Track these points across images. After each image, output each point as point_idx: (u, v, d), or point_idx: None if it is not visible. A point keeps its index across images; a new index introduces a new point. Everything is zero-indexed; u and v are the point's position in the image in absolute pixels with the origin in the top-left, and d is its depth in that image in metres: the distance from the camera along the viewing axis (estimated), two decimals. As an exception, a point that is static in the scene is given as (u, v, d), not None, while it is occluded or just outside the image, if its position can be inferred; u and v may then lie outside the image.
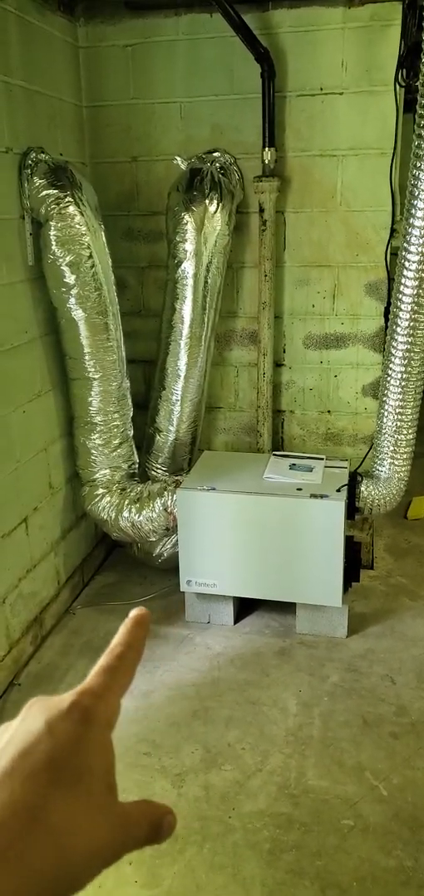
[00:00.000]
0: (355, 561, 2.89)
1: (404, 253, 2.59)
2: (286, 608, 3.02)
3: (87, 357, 2.85)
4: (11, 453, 2.66)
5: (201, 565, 2.91)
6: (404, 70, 2.84)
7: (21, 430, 2.72)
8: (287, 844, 2.01)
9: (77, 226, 2.67)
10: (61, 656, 2.86)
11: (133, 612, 0.46)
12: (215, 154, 3.06)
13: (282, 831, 2.05)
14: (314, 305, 3.25)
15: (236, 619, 3.04)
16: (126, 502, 3.02)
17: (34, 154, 2.65)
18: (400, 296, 2.64)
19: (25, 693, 2.60)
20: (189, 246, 2.92)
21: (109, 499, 3.04)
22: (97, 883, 1.78)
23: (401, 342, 2.70)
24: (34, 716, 0.39)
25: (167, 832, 0.41)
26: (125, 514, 3.02)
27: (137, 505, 3.01)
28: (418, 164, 2.44)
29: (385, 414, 2.85)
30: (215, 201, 2.90)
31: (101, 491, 3.06)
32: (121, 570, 3.51)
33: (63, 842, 0.35)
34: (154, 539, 3.11)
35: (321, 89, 3.00)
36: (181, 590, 2.98)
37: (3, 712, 2.52)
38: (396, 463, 2.91)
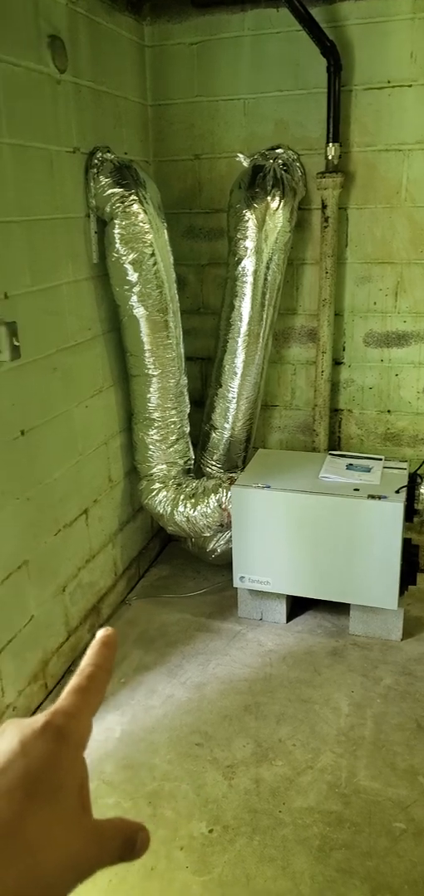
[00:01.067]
0: (412, 564, 2.85)
1: None
2: (340, 609, 3.00)
3: (147, 354, 2.91)
4: (74, 447, 2.75)
5: (255, 562, 2.93)
6: None
7: (83, 425, 2.80)
8: (337, 842, 2.02)
9: (141, 224, 2.71)
10: (117, 646, 2.93)
11: (100, 633, 0.47)
12: (278, 150, 3.05)
13: (332, 829, 2.06)
14: (375, 303, 3.21)
15: (289, 618, 3.05)
16: (182, 497, 3.07)
17: (100, 153, 2.71)
18: (466, 295, 2.58)
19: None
20: (250, 243, 2.93)
21: (165, 493, 3.10)
22: (150, 866, 1.83)
23: (465, 343, 2.63)
24: (8, 737, 0.40)
25: (141, 849, 0.42)
26: (180, 508, 3.06)
27: (192, 500, 3.05)
28: None
29: (447, 416, 2.79)
30: (277, 198, 2.89)
31: (157, 485, 3.11)
32: (175, 564, 3.57)
33: (39, 856, 0.37)
34: (208, 535, 3.15)
35: (389, 82, 2.94)
36: (234, 586, 3.01)
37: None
38: (457, 466, 2.85)
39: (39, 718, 0.41)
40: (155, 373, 2.94)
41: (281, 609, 3.03)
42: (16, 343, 2.21)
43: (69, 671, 2.76)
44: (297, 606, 3.10)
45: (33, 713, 2.49)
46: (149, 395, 2.99)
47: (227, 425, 3.18)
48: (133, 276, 2.76)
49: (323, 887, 1.89)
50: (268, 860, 1.97)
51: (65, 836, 0.38)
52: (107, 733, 2.45)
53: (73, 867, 0.38)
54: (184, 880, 1.92)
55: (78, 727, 0.41)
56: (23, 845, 0.36)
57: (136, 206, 2.70)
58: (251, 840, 2.04)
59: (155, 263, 2.78)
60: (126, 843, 0.41)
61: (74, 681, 0.43)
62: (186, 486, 3.11)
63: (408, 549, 2.86)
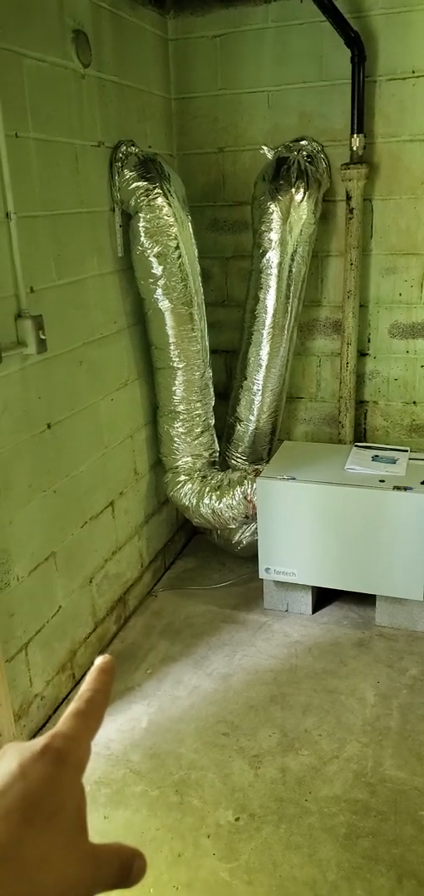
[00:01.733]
0: (438, 556, 2.83)
1: None
2: (366, 600, 2.99)
3: (171, 347, 2.92)
4: (100, 440, 2.78)
5: (280, 554, 2.93)
6: None
7: (109, 418, 2.83)
8: (364, 831, 2.02)
9: (165, 217, 2.73)
10: (143, 637, 2.97)
11: (98, 661, 0.47)
12: (303, 142, 3.05)
13: (358, 817, 2.06)
14: (400, 294, 3.18)
15: (315, 609, 3.05)
16: (207, 490, 3.08)
17: (125, 147, 2.74)
18: None
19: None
20: (274, 235, 2.92)
21: (190, 486, 3.11)
22: (177, 852, 1.85)
23: None
24: (7, 760, 0.40)
25: (136, 876, 0.42)
26: (206, 501, 3.08)
27: (218, 493, 3.06)
28: None
29: None
30: (301, 190, 2.89)
31: (183, 478, 3.13)
32: (201, 556, 3.58)
33: (36, 877, 0.37)
34: (234, 526, 3.16)
35: (414, 72, 2.91)
36: (260, 577, 3.01)
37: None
38: None
39: (39, 742, 0.41)
40: (180, 366, 2.96)
41: (307, 600, 3.03)
42: (42, 337, 2.24)
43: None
44: (322, 598, 3.10)
45: (61, 703, 2.53)
46: (174, 388, 3.01)
47: (252, 417, 3.18)
48: (158, 270, 2.78)
49: (350, 874, 1.90)
50: (294, 848, 1.98)
51: (62, 860, 0.38)
52: (134, 723, 2.48)
53: (69, 889, 0.38)
54: (211, 867, 1.94)
55: (77, 750, 0.42)
56: (20, 868, 0.36)
57: (160, 200, 2.71)
58: (278, 828, 2.05)
59: (180, 256, 2.79)
60: (122, 868, 0.41)
61: (73, 705, 0.44)
62: (211, 479, 3.12)
63: (435, 540, 2.83)
